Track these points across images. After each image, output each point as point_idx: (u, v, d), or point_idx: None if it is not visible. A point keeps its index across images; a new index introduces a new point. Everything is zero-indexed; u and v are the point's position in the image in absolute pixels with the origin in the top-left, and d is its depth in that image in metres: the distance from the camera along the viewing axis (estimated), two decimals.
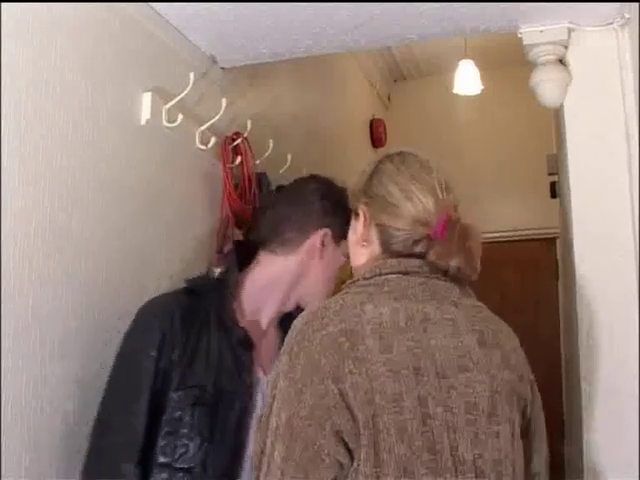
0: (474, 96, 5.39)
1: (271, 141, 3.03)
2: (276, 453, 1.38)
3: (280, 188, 3.07)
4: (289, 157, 3.23)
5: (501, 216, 5.73)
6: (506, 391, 1.50)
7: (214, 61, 2.76)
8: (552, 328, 5.30)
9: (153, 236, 2.41)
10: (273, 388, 1.46)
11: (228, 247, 2.61)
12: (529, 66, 2.52)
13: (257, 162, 2.95)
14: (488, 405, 1.46)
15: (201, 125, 2.62)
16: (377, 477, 1.35)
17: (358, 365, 1.40)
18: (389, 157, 1.72)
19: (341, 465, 1.37)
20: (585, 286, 2.31)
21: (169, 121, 2.44)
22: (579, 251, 2.35)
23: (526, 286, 5.63)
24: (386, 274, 1.54)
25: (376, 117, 5.71)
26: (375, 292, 1.51)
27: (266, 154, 3.01)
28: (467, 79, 5.27)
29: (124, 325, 1.99)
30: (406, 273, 1.54)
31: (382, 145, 5.73)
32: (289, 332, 1.51)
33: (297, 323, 1.51)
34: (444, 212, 1.57)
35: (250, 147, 2.88)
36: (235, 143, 2.81)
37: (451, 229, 1.56)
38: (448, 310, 1.52)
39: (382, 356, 1.41)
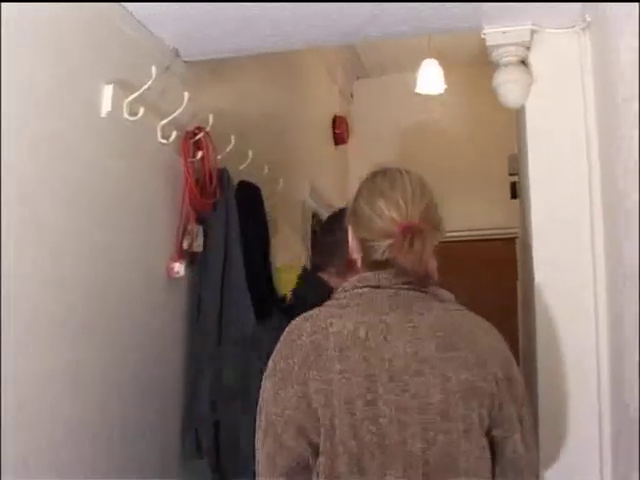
0: (437, 95, 5.40)
1: (233, 137, 3.02)
2: (259, 444, 1.69)
3: (242, 184, 3.06)
4: (250, 153, 3.22)
5: (463, 216, 5.74)
6: (462, 391, 1.63)
7: (177, 55, 2.74)
8: (512, 326, 5.34)
9: (114, 230, 2.39)
10: (262, 389, 1.71)
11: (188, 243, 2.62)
12: (492, 66, 2.53)
13: (218, 157, 2.93)
14: (440, 405, 1.61)
15: (163, 119, 2.61)
16: (332, 467, 1.60)
17: (320, 373, 1.63)
18: (367, 178, 1.90)
19: (301, 455, 1.63)
20: (542, 286, 2.33)
21: (130, 114, 2.43)
22: (537, 250, 2.37)
23: (485, 287, 5.66)
24: (360, 287, 1.74)
25: (338, 114, 5.70)
26: (348, 305, 1.73)
27: (228, 149, 3.00)
28: (430, 78, 5.27)
29: (89, 320, 1.98)
30: (377, 287, 1.73)
31: (344, 142, 5.73)
32: (280, 340, 1.74)
33: (285, 330, 1.74)
34: (404, 223, 1.71)
35: (212, 142, 2.87)
36: (197, 137, 2.79)
37: (410, 238, 1.69)
38: (411, 319, 1.69)
39: (339, 365, 1.63)
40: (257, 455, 1.70)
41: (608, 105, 2.04)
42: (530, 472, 1.75)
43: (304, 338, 1.68)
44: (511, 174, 3.88)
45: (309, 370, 1.64)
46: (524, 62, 2.47)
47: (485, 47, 2.50)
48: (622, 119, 1.77)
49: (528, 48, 2.46)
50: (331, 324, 1.68)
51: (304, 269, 2.71)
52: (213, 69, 3.11)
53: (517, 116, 2.77)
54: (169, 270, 2.69)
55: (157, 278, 2.66)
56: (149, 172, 2.62)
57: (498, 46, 2.46)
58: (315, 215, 4.83)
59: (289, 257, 3.49)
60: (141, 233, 2.55)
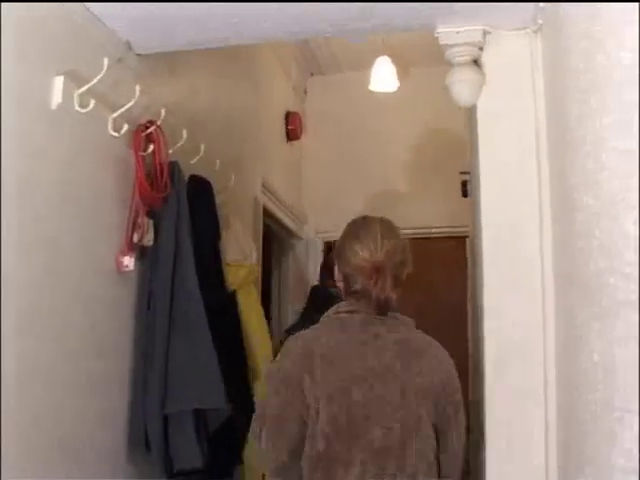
0: (390, 93, 5.42)
1: (185, 130, 3.00)
2: (264, 432, 2.21)
3: (193, 178, 3.05)
4: (202, 147, 3.21)
5: (415, 214, 5.77)
6: (415, 393, 2.15)
7: (129, 47, 2.72)
8: (463, 323, 5.38)
9: (62, 222, 2.36)
10: (268, 387, 2.27)
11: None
12: (445, 66, 2.55)
13: (170, 151, 2.91)
14: (398, 402, 2.13)
15: (114, 111, 2.58)
16: (312, 446, 2.12)
17: (311, 376, 2.15)
18: (350, 224, 2.44)
19: (298, 439, 2.15)
20: (492, 284, 2.35)
21: (81, 106, 2.40)
22: (487, 249, 2.38)
23: (436, 284, 5.69)
24: (341, 312, 2.31)
25: (292, 110, 5.69)
26: (332, 324, 2.30)
27: (179, 143, 2.98)
28: (383, 76, 5.29)
29: (34, 313, 1.95)
30: (352, 312, 2.28)
31: (297, 138, 5.72)
32: (281, 350, 2.31)
33: (286, 343, 2.31)
34: (372, 261, 2.24)
35: (163, 135, 2.84)
36: (148, 131, 2.77)
37: (376, 273, 2.23)
38: (378, 336, 2.23)
39: (324, 371, 2.16)
40: (262, 441, 2.23)
41: (558, 105, 2.06)
42: (458, 463, 2.25)
43: (299, 350, 2.23)
44: (462, 172, 3.91)
45: (302, 374, 2.16)
46: (477, 62, 2.49)
47: (439, 46, 2.51)
48: (572, 120, 1.79)
49: (481, 48, 2.48)
50: (318, 339, 2.24)
51: (314, 287, 3.88)
52: (166, 63, 3.09)
53: (469, 115, 2.79)
54: (119, 264, 2.67)
55: (107, 272, 2.63)
56: (99, 165, 2.59)
57: (451, 45, 2.47)
58: (267, 211, 4.83)
59: (240, 253, 3.48)
60: (90, 226, 2.53)
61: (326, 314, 2.34)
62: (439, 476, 2.16)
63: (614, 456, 1.33)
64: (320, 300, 3.49)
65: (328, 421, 2.12)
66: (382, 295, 2.21)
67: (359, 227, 2.38)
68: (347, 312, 2.29)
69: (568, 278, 1.91)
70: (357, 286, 2.28)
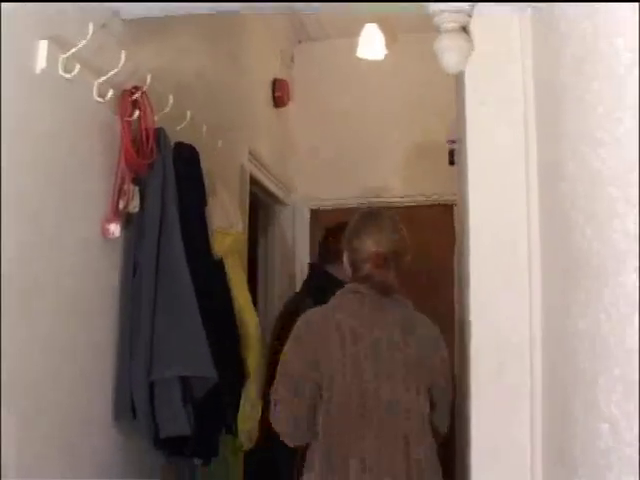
0: (379, 61, 5.39)
1: (171, 97, 2.98)
2: (284, 393, 2.58)
3: (179, 145, 3.03)
4: (189, 114, 3.19)
5: (401, 180, 5.77)
6: (416, 364, 2.59)
7: (115, 12, 2.68)
8: (448, 293, 5.40)
9: (45, 189, 2.35)
10: (283, 354, 2.64)
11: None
12: (434, 32, 2.53)
13: (156, 117, 2.89)
14: (402, 372, 2.57)
15: (99, 77, 2.56)
16: (327, 410, 2.52)
17: (325, 347, 2.57)
18: (358, 217, 2.83)
19: (312, 399, 2.54)
20: (479, 252, 2.35)
21: (66, 71, 2.37)
22: (474, 216, 2.38)
23: (423, 252, 5.69)
24: (348, 292, 2.70)
25: (279, 77, 5.66)
26: (342, 304, 2.68)
27: (166, 109, 2.96)
28: (371, 43, 5.26)
29: (19, 280, 1.94)
30: (358, 292, 2.67)
31: (284, 105, 5.69)
32: (296, 323, 2.69)
33: (301, 317, 2.70)
34: (377, 252, 2.69)
35: (149, 101, 2.82)
36: (134, 97, 2.75)
37: (381, 262, 2.68)
38: (384, 314, 2.65)
39: (338, 343, 2.56)
40: (280, 410, 2.59)
41: (547, 72, 2.05)
42: (445, 421, 2.74)
43: (315, 324, 2.65)
44: (449, 141, 3.90)
45: (318, 345, 2.58)
46: (465, 29, 2.47)
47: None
48: (561, 87, 1.78)
49: (470, 15, 2.45)
50: (333, 315, 2.63)
51: (312, 264, 4.22)
52: (152, 28, 3.05)
53: (457, 82, 2.78)
54: (104, 231, 2.65)
55: (92, 239, 2.62)
56: (84, 131, 2.57)
57: (440, 12, 2.45)
58: (253, 178, 4.81)
59: (226, 220, 3.47)
60: (75, 193, 2.51)
61: (338, 294, 2.73)
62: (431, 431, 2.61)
63: (598, 423, 1.34)
64: (320, 278, 3.81)
65: (342, 390, 2.53)
66: (387, 281, 2.67)
67: (368, 220, 2.81)
68: (356, 293, 2.67)
69: (555, 245, 1.91)
70: (364, 272, 2.70)
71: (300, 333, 2.65)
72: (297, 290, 4.47)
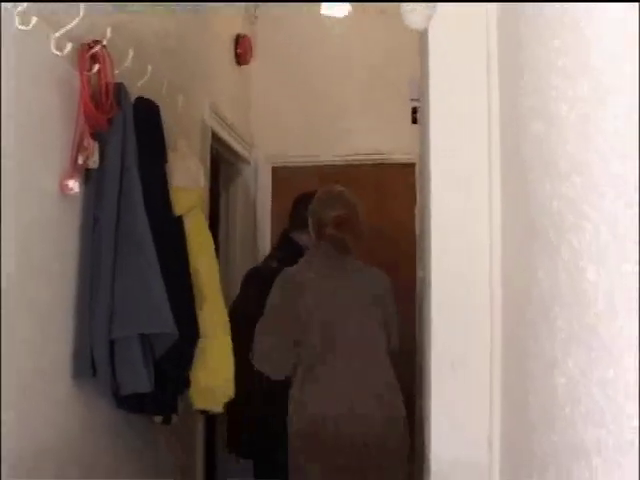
0: (342, 18, 5.36)
1: (131, 51, 2.94)
2: (270, 335, 3.34)
3: (140, 100, 3.00)
4: (149, 69, 3.15)
5: (364, 139, 5.77)
6: (373, 303, 3.43)
7: None
8: (410, 252, 5.44)
9: (4, 145, 2.30)
10: (268, 307, 3.37)
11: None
12: None
13: (116, 72, 2.85)
14: (363, 311, 3.41)
15: (57, 30, 2.51)
16: (307, 346, 3.32)
17: (302, 300, 3.33)
18: (321, 191, 3.62)
19: (293, 339, 3.33)
20: (439, 210, 2.35)
21: (22, 24, 2.33)
22: (435, 175, 2.38)
23: (385, 210, 5.71)
24: (315, 253, 3.53)
25: (242, 34, 5.60)
26: (311, 262, 3.49)
27: (125, 64, 2.91)
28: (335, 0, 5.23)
29: None
30: (323, 252, 3.48)
31: (247, 62, 5.65)
32: (275, 280, 3.43)
33: (280, 276, 3.44)
34: (335, 217, 3.47)
35: (109, 56, 2.78)
36: (93, 50, 2.70)
37: (340, 225, 3.45)
38: (344, 267, 3.49)
39: (311, 295, 3.35)
40: (264, 339, 3.34)
41: (510, 28, 2.04)
42: (397, 340, 3.59)
43: (293, 279, 3.41)
44: (413, 99, 3.89)
45: (295, 298, 3.35)
46: None
47: None
48: (524, 42, 1.78)
49: None
50: (307, 271, 3.44)
51: (285, 230, 4.47)
52: None
53: (420, 39, 2.77)
54: (63, 187, 2.62)
55: (51, 195, 2.59)
56: (42, 84, 2.53)
57: None
58: (215, 135, 4.78)
59: (187, 177, 3.44)
60: (32, 148, 2.47)
61: (307, 255, 3.56)
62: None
63: (555, 376, 1.36)
64: (283, 244, 4.43)
65: (318, 329, 3.30)
66: (344, 239, 3.45)
67: (330, 194, 3.58)
68: (321, 253, 3.49)
69: (515, 202, 1.92)
70: (326, 233, 3.46)
71: (280, 289, 3.39)
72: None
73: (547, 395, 1.44)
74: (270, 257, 4.55)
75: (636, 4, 0.86)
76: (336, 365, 3.25)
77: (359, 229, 3.51)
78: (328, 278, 3.41)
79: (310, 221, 3.55)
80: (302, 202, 4.11)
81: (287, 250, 4.25)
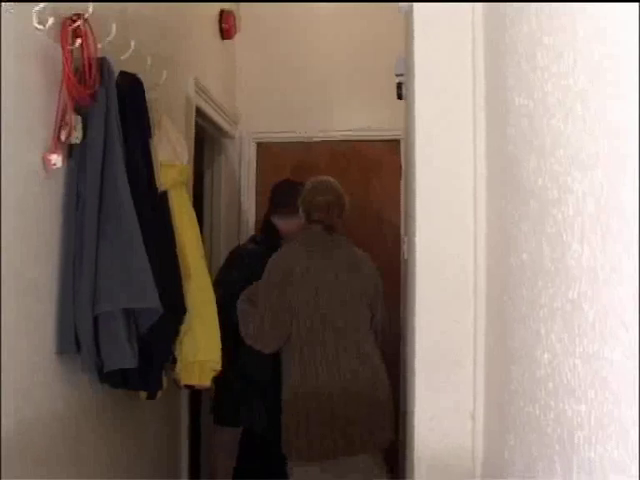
0: None
1: (114, 25, 2.91)
2: (265, 320, 3.70)
3: (123, 75, 2.98)
4: (133, 43, 3.12)
5: (349, 115, 5.76)
6: (358, 291, 3.84)
7: None
8: (394, 228, 5.45)
9: None
10: (261, 291, 3.75)
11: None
12: None
13: (99, 46, 2.82)
14: (350, 298, 3.79)
15: (38, 4, 2.48)
16: (297, 332, 3.69)
17: (293, 283, 3.69)
18: (309, 184, 4.03)
19: (288, 326, 3.69)
20: (424, 187, 2.35)
21: None
22: (420, 152, 2.38)
23: (370, 186, 5.72)
24: (306, 234, 3.88)
25: (226, 9, 5.57)
26: (303, 243, 3.86)
27: (109, 38, 2.89)
28: None
29: None
30: (314, 234, 3.86)
31: (231, 37, 5.62)
32: (270, 260, 3.83)
33: (270, 259, 3.82)
34: (327, 203, 3.90)
35: (91, 30, 2.75)
36: (75, 24, 2.67)
37: (328, 210, 3.90)
38: (332, 250, 3.86)
39: (302, 278, 3.71)
40: (257, 315, 3.74)
41: (496, 7, 2.03)
42: (383, 330, 4.06)
43: (283, 262, 3.79)
44: (398, 75, 3.87)
45: (286, 280, 3.71)
46: None
47: None
48: (507, 20, 1.77)
49: None
50: (295, 255, 3.80)
51: (265, 215, 4.74)
52: None
53: (406, 15, 2.75)
54: (46, 162, 2.60)
55: (34, 171, 2.56)
56: (23, 59, 2.50)
57: None
58: (199, 110, 4.76)
59: (171, 152, 3.43)
60: (14, 123, 2.44)
61: (299, 236, 3.95)
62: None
63: (538, 352, 1.36)
64: (271, 227, 4.62)
65: (306, 319, 3.69)
66: (332, 221, 3.91)
67: (319, 183, 4.02)
68: (312, 234, 3.90)
69: (500, 179, 1.92)
70: (316, 216, 3.91)
71: (274, 268, 3.80)
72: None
73: (530, 371, 1.45)
74: (251, 239, 4.91)
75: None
76: (326, 339, 3.68)
77: (344, 214, 3.99)
78: (318, 256, 3.82)
79: (301, 206, 3.97)
80: (280, 188, 4.68)
81: (267, 233, 4.66)
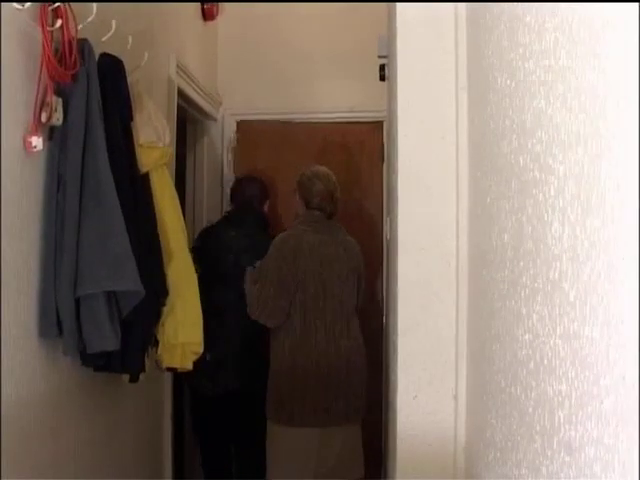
0: None
1: (95, 5, 2.88)
2: (271, 291, 3.99)
3: (104, 56, 2.95)
4: (114, 24, 3.09)
5: (332, 96, 5.74)
6: (351, 270, 4.21)
7: None
8: (376, 209, 5.45)
9: None
10: (267, 267, 4.07)
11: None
12: None
13: (79, 27, 2.80)
14: (344, 275, 4.15)
15: None
16: (302, 302, 4.01)
17: (299, 261, 3.99)
18: (307, 173, 4.30)
19: (292, 296, 4.00)
20: (406, 167, 2.35)
21: None
22: (402, 133, 2.37)
23: (352, 168, 5.71)
24: (309, 220, 4.17)
25: None
26: (307, 224, 4.15)
27: (89, 18, 2.86)
28: None
29: None
30: (315, 216, 4.18)
31: (213, 19, 5.59)
32: (273, 241, 4.13)
33: (277, 238, 4.14)
34: (325, 191, 4.21)
35: (72, 10, 2.72)
36: (55, 5, 2.65)
37: (325, 197, 4.20)
38: (332, 235, 4.18)
39: (308, 258, 4.01)
40: (263, 290, 4.01)
41: None
42: (364, 298, 4.55)
43: (291, 242, 4.04)
44: (380, 56, 3.86)
45: (293, 259, 3.98)
46: None
47: None
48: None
49: None
50: (302, 236, 4.07)
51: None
52: None
53: None
54: (27, 145, 2.57)
55: (13, 153, 2.54)
56: (2, 39, 2.47)
57: None
58: (181, 92, 4.73)
59: (153, 134, 3.41)
60: None
61: (299, 221, 4.22)
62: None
63: (520, 332, 1.37)
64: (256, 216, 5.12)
65: (311, 287, 4.00)
66: (330, 206, 4.23)
67: (317, 172, 4.29)
68: (312, 218, 4.19)
69: (481, 157, 1.92)
70: (316, 203, 4.20)
71: (279, 248, 4.06)
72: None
73: (512, 350, 1.45)
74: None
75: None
76: (326, 306, 4.02)
77: (338, 204, 4.31)
78: (322, 232, 4.14)
79: (299, 195, 4.28)
80: (237, 186, 5.35)
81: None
